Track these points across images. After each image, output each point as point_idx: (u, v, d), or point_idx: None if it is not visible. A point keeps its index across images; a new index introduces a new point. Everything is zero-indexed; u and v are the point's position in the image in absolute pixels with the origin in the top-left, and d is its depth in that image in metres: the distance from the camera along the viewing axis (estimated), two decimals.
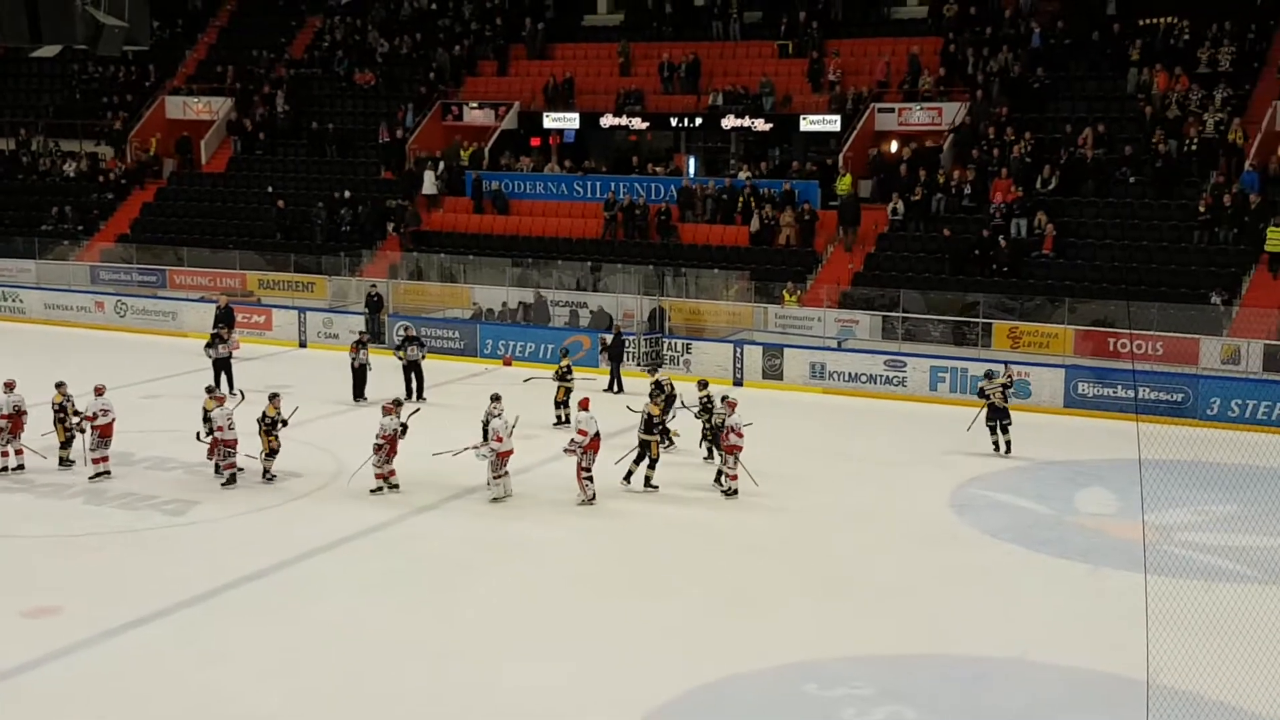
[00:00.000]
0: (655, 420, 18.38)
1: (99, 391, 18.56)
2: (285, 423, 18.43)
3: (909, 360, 24.56)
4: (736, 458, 17.90)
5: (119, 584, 14.63)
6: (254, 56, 39.52)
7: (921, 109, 31.05)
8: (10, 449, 18.72)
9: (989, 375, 20.85)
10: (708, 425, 19.23)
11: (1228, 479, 16.96)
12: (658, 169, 33.02)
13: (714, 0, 35.88)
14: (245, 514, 17.20)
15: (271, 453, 18.35)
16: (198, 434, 18.71)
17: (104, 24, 28.66)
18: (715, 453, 19.08)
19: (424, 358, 23.93)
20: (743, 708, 11.85)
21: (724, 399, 18.52)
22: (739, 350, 25.67)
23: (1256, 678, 11.02)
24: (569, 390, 21.61)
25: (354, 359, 23.39)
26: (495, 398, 18.17)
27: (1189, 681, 11.05)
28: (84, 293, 32.65)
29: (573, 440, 17.61)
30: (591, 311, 28.56)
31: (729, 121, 32.67)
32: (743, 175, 31.51)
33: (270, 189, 35.49)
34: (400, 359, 23.74)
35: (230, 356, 23.97)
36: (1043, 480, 19.15)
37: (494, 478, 17.56)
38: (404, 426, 17.86)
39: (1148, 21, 30.07)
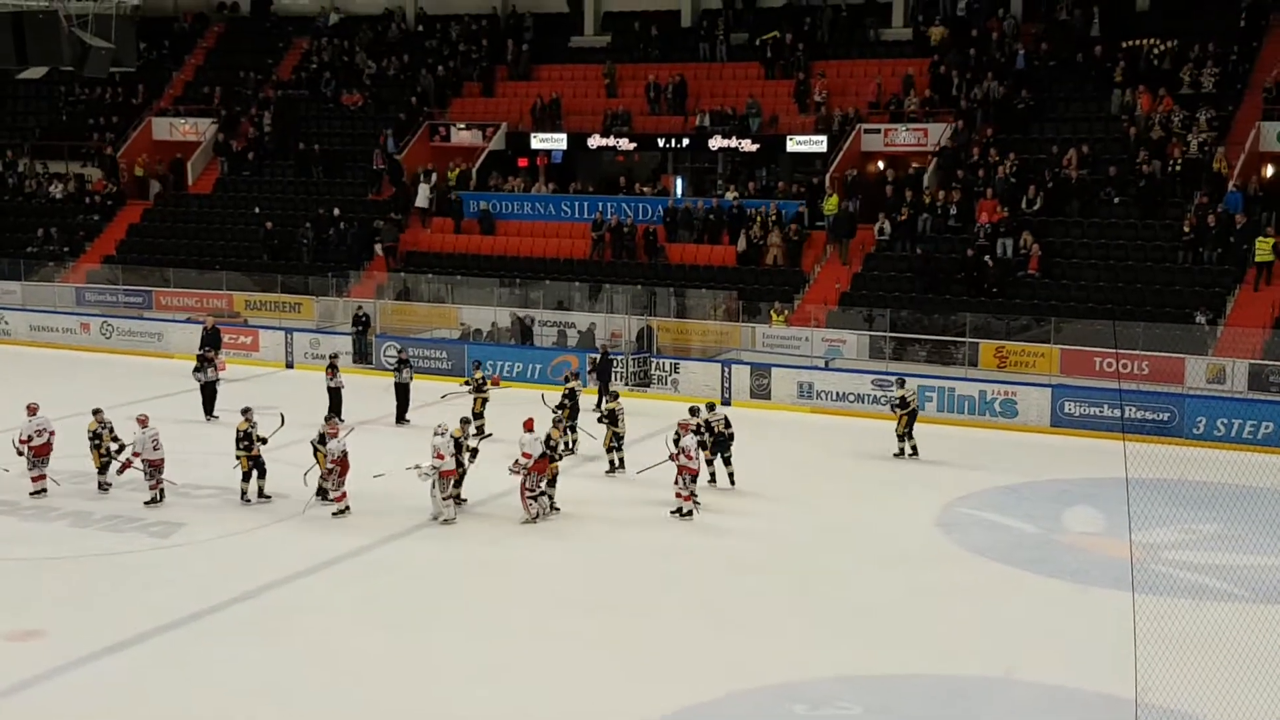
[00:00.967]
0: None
1: (142, 423, 18.40)
2: (264, 440, 18.36)
3: (896, 379, 24.55)
4: (687, 479, 17.91)
5: (103, 607, 14.55)
6: (241, 78, 39.53)
7: (907, 130, 31.19)
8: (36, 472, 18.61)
9: (902, 383, 21.79)
10: (900, 420, 20.95)
11: (1214, 498, 17.01)
12: (645, 189, 33.10)
13: (700, 22, 36.08)
14: (231, 536, 17.12)
15: (250, 474, 18.28)
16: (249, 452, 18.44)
17: (91, 46, 28.75)
18: (715, 475, 19.41)
19: (410, 380, 23.86)
20: None
21: (680, 422, 18.58)
22: (727, 370, 25.70)
23: (1246, 696, 11.02)
24: (485, 401, 22.14)
25: (329, 380, 23.32)
26: (465, 420, 18.34)
27: (1178, 700, 11.06)
28: (69, 314, 32.54)
29: (517, 461, 17.62)
30: (580, 332, 28.57)
31: (716, 142, 32.79)
32: (730, 195, 31.60)
33: (257, 210, 35.48)
34: (396, 381, 23.66)
35: (217, 381, 23.93)
36: (1030, 499, 19.18)
37: (443, 498, 17.57)
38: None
39: (1131, 44, 30.26)
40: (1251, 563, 15.37)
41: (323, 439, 18.07)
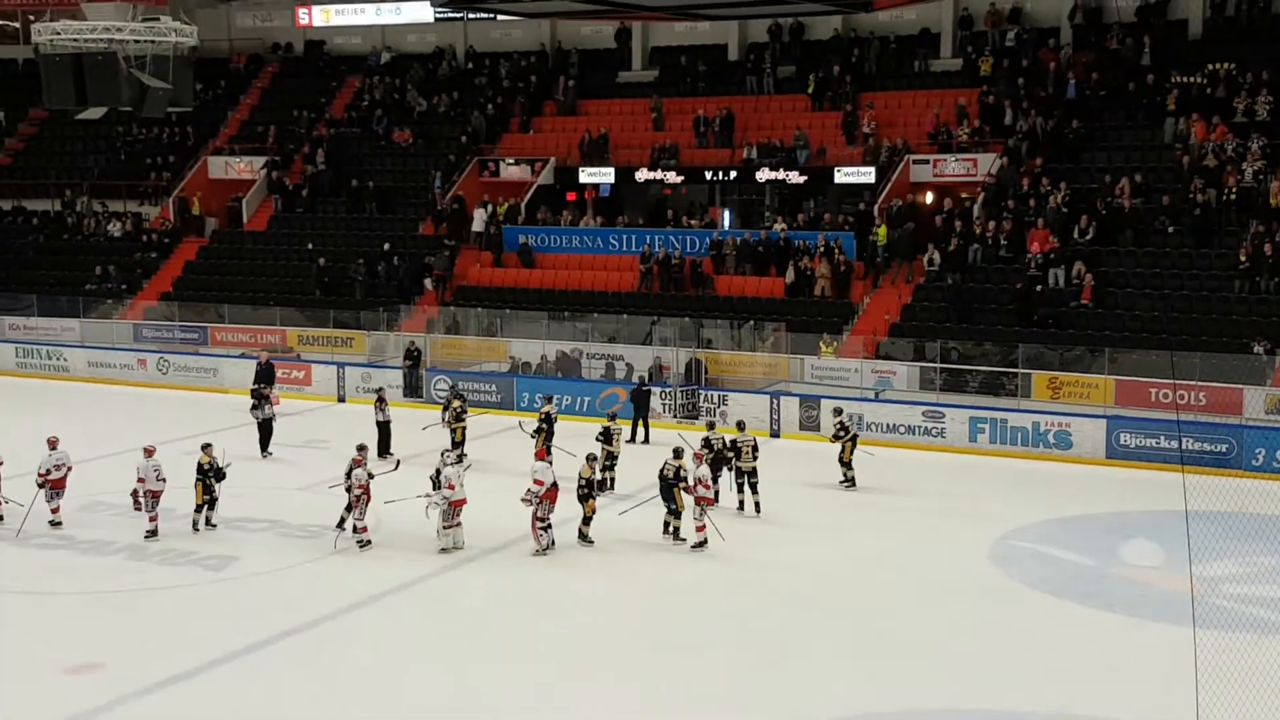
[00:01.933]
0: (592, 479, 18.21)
1: (149, 453, 18.60)
2: (223, 475, 18.52)
3: (947, 411, 24.41)
4: (704, 509, 17.85)
5: (160, 640, 14.68)
6: (295, 116, 40.15)
7: (957, 160, 31.09)
8: (54, 504, 18.86)
9: (839, 411, 22.14)
10: (845, 449, 21.00)
11: (1275, 530, 16.67)
12: (693, 222, 33.19)
13: (748, 55, 36.22)
14: (284, 569, 17.25)
15: (206, 504, 18.48)
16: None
17: (149, 86, 29.38)
18: (743, 499, 19.57)
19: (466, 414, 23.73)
20: None
21: (695, 455, 18.52)
22: (776, 402, 25.62)
23: None
24: (465, 430, 22.56)
25: (377, 415, 23.46)
26: (446, 450, 18.45)
27: None
28: (126, 350, 33.06)
29: (529, 490, 17.58)
30: (628, 365, 28.62)
31: (764, 174, 32.83)
32: (778, 227, 31.60)
33: (310, 246, 35.92)
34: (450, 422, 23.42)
35: (273, 417, 24.14)
36: (1085, 532, 18.93)
37: (444, 527, 17.58)
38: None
39: (1185, 79, 29.96)
40: None
41: (349, 473, 18.13)
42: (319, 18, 42.28)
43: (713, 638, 14.75)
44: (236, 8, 43.42)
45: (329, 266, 34.69)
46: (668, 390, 26.61)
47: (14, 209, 40.89)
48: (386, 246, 34.44)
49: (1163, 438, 22.56)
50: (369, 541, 17.83)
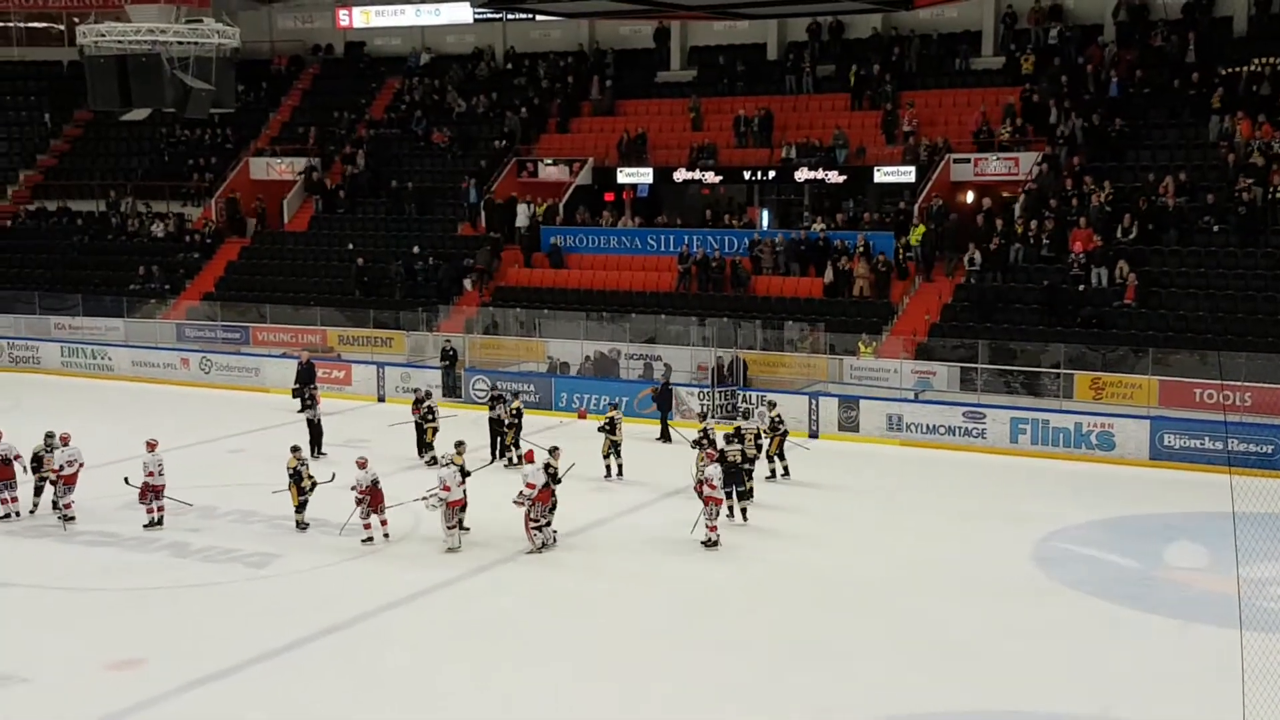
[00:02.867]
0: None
1: (150, 447, 19.02)
2: (307, 479, 18.77)
3: (988, 411, 24.22)
4: (716, 509, 17.89)
5: (202, 637, 14.80)
6: (335, 118, 40.43)
7: (998, 159, 30.84)
8: (66, 500, 19.18)
9: (773, 405, 22.83)
10: (773, 442, 21.27)
11: None
12: (731, 221, 33.12)
13: (786, 55, 36.10)
14: (324, 567, 17.36)
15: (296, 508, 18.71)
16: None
17: (192, 88, 29.65)
18: (777, 470, 20.80)
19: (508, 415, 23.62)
20: None
21: (705, 451, 18.63)
22: (814, 402, 25.51)
23: None
24: (436, 430, 22.79)
25: (414, 416, 23.45)
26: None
27: None
28: (170, 350, 33.39)
29: (521, 492, 17.72)
30: (666, 365, 28.57)
31: (802, 174, 32.68)
32: (816, 227, 31.47)
33: (350, 246, 36.12)
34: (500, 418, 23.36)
35: (320, 418, 24.20)
36: (1129, 534, 18.73)
37: (447, 528, 17.74)
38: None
39: (1229, 71, 29.62)
40: None
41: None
42: (359, 19, 42.57)
43: (746, 637, 14.71)
44: (278, 9, 43.77)
45: (369, 267, 34.88)
46: (705, 391, 26.55)
47: (59, 210, 41.35)
48: (416, 249, 34.43)
49: (1207, 439, 22.29)
50: (370, 539, 18.10)
